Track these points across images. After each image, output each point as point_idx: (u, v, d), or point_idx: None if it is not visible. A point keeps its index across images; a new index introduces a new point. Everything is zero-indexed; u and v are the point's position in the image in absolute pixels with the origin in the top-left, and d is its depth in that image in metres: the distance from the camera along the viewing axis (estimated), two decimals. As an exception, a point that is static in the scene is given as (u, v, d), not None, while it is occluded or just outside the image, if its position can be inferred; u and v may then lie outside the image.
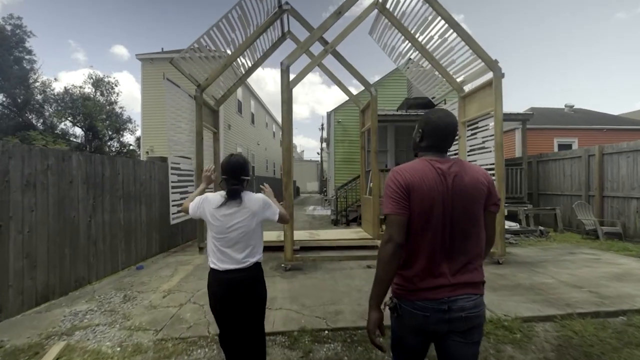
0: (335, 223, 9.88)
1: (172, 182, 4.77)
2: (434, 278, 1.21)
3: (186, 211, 1.97)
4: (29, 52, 22.88)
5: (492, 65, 4.95)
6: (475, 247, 1.26)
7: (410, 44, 6.11)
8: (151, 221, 5.50)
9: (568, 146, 13.27)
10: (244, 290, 1.84)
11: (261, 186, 2.21)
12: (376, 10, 5.97)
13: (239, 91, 15.98)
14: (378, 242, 6.08)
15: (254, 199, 1.89)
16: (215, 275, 1.85)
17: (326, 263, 4.93)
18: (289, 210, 4.54)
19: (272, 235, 6.37)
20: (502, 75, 4.96)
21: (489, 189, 1.28)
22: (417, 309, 1.21)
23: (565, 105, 16.34)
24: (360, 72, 6.30)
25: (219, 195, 1.88)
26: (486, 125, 5.36)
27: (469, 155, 5.94)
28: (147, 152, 12.98)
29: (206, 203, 1.87)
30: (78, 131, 26.88)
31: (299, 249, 5.64)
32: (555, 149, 13.13)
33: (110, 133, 26.19)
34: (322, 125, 40.81)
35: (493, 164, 5.10)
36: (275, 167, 24.82)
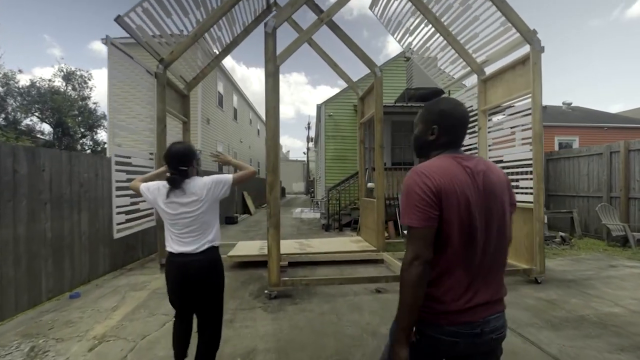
0: (327, 228, 8.80)
1: (118, 181, 3.57)
2: (472, 297, 1.03)
3: (136, 190, 1.97)
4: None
5: (529, 36, 3.98)
6: (505, 256, 1.13)
7: (421, 17, 5.10)
8: (97, 232, 4.28)
9: (569, 145, 12.68)
10: (198, 275, 1.87)
11: (213, 153, 2.21)
12: (381, -26, 4.94)
13: (220, 83, 14.69)
14: (385, 256, 5.01)
15: (199, 184, 1.86)
16: (171, 258, 1.88)
17: (323, 285, 3.83)
18: (275, 217, 3.43)
19: (254, 247, 5.22)
20: (542, 50, 4.00)
21: (510, 188, 1.16)
22: (445, 335, 1.02)
23: (563, 103, 15.81)
24: (359, 55, 5.24)
25: (166, 185, 1.87)
26: (518, 113, 4.39)
27: (490, 150, 4.98)
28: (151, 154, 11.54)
29: (160, 191, 1.86)
30: (47, 128, 25.05)
31: (287, 265, 4.53)
32: (556, 148, 12.48)
33: (82, 130, 24.37)
34: (309, 124, 39.95)
35: (529, 159, 4.13)
36: (260, 166, 23.56)
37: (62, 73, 23.35)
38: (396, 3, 5.33)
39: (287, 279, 3.52)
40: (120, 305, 3.41)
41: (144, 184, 1.96)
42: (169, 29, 4.14)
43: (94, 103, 24.47)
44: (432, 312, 1.04)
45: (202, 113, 12.05)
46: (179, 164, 1.85)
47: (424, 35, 5.35)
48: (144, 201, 3.99)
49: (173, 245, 1.86)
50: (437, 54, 5.53)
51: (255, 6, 5.57)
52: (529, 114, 4.09)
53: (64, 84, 24.04)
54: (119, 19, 3.44)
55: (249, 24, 5.80)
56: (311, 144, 38.28)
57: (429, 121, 1.17)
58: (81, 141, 24.69)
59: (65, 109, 22.10)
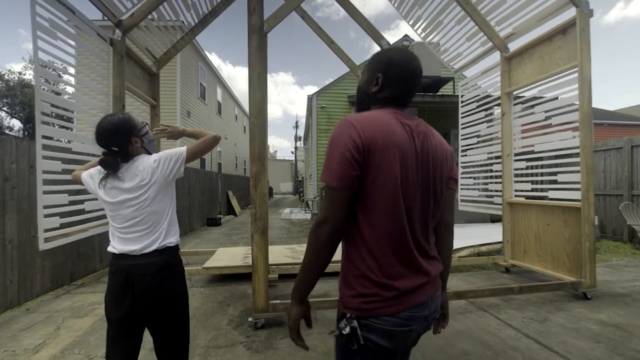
0: (320, 230, 7.95)
1: (48, 172, 2.63)
2: (416, 273, 0.92)
3: (77, 180, 1.62)
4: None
5: (575, -4, 3.24)
6: (435, 230, 1.04)
7: (435, -18, 4.32)
8: (32, 240, 3.32)
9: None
10: (145, 286, 1.41)
11: (157, 128, 1.71)
12: None
13: (203, 74, 13.66)
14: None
15: (145, 164, 1.46)
16: (112, 261, 1.48)
17: (326, 309, 2.98)
18: (261, 220, 2.57)
19: (237, 256, 4.33)
20: (591, 13, 3.28)
21: (450, 159, 1.04)
22: (400, 325, 0.89)
23: (559, 100, 15.42)
24: (364, 26, 4.42)
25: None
26: (557, 93, 3.66)
27: (515, 140, 4.24)
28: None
29: (96, 177, 1.50)
30: (17, 123, 23.54)
31: (278, 279, 3.67)
32: (556, 145, 12.00)
33: (57, 126, 22.94)
34: (297, 122, 39.20)
35: (572, 148, 3.40)
36: (245, 164, 22.53)
37: (34, 66, 21.85)
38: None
39: (277, 302, 2.66)
40: (48, 341, 2.49)
41: (87, 171, 1.57)
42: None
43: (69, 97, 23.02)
44: (383, 299, 0.88)
45: (182, 104, 11.04)
46: (110, 144, 1.45)
47: (438, 5, 4.58)
48: (94, 199, 3.07)
49: (115, 244, 1.49)
50: (450, 30, 4.76)
51: (238, -31, 4.69)
52: (573, 93, 3.37)
53: (62, 86, 22.57)
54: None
55: (232, -9, 4.91)
56: (299, 143, 37.48)
57: (374, 70, 1.03)
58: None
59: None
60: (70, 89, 3.15)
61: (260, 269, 2.54)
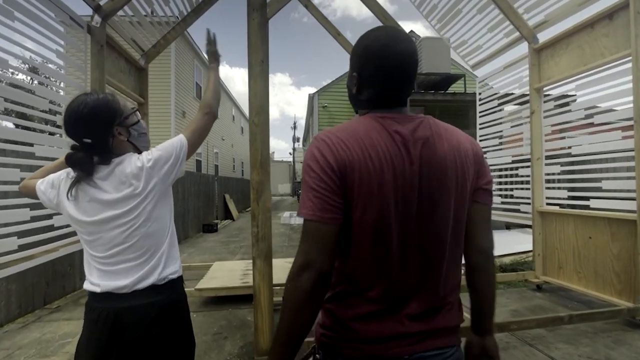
0: (323, 237, 7.47)
1: (3, 182, 2.13)
2: (389, 322, 0.73)
3: (30, 192, 1.15)
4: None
5: (627, -26, 2.79)
6: (455, 269, 0.79)
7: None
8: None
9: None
10: (142, 338, 1.02)
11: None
12: None
13: (199, 73, 13.16)
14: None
15: (131, 167, 1.04)
16: (92, 304, 1.06)
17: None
18: (265, 241, 2.09)
19: (235, 273, 3.84)
20: (644, -6, 2.83)
21: (479, 163, 0.80)
22: None
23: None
24: (376, 11, 3.95)
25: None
26: (602, 87, 3.21)
27: (547, 142, 3.79)
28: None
29: (64, 184, 1.07)
30: (10, 125, 22.95)
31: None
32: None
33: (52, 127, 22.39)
34: (295, 123, 38.82)
35: (626, 150, 2.94)
36: (243, 166, 22.04)
37: (27, 66, 21.22)
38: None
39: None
40: (-1, 394, 2.00)
41: (44, 178, 1.13)
42: (103, -46, 2.74)
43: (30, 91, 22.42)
44: (340, 338, 0.75)
45: (176, 105, 10.55)
46: (82, 134, 1.04)
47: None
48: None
49: (94, 279, 1.06)
50: (472, 18, 4.30)
51: (235, -48, 4.21)
52: (625, 87, 2.91)
53: (29, 79, 21.88)
54: None
55: (228, -23, 4.44)
56: (297, 144, 37.06)
57: (351, 66, 0.82)
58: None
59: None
60: (32, 81, 2.65)
61: (264, 302, 2.06)
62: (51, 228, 2.60)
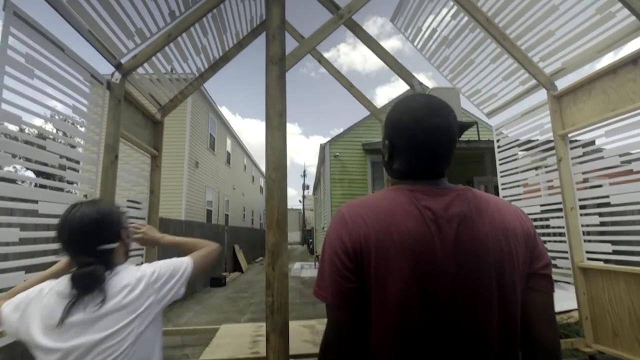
0: (337, 292, 6.99)
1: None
2: None
3: None
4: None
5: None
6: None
7: (467, 18, 3.96)
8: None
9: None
10: None
11: (132, 226, 1.19)
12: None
13: (213, 125, 13.61)
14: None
15: (129, 279, 0.93)
16: None
17: None
18: (282, 311, 1.81)
19: (243, 339, 3.45)
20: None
21: (531, 243, 0.69)
22: None
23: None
24: (391, 64, 4.00)
25: (61, 288, 0.89)
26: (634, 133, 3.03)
27: (579, 190, 3.54)
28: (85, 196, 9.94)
29: (47, 306, 0.87)
30: (31, 174, 23.91)
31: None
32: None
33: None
34: (304, 171, 39.33)
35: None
36: (254, 215, 21.88)
37: (54, 119, 22.53)
38: (430, 6, 4.21)
39: None
40: None
41: (15, 298, 0.92)
42: (127, 17, 2.85)
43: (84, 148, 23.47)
44: None
45: (190, 155, 10.72)
46: (99, 242, 0.94)
47: (469, 43, 4.18)
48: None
49: None
50: (485, 67, 4.31)
51: (251, 13, 4.45)
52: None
53: (55, 131, 23.16)
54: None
55: (244, 36, 4.65)
56: (307, 192, 37.14)
57: (384, 134, 0.81)
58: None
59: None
60: (48, 137, 2.60)
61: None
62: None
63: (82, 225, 0.94)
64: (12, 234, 2.09)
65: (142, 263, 0.98)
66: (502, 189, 4.68)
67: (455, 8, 4.01)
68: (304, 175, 39.69)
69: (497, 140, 4.88)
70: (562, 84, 3.77)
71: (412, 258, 0.61)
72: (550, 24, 3.39)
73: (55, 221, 2.36)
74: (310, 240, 20.80)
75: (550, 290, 0.71)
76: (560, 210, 3.72)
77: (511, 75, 4.16)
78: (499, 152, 4.81)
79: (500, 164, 4.76)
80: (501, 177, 4.73)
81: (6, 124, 2.09)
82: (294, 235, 38.34)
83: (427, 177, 0.74)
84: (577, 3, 3.10)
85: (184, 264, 1.07)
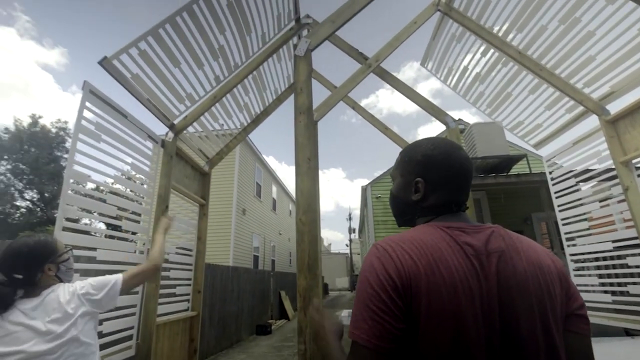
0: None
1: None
2: None
3: None
4: (68, 151, 23.94)
5: None
6: None
7: (497, 54, 3.94)
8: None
9: None
10: None
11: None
12: (438, 14, 4.04)
13: (259, 174, 14.35)
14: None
15: (63, 294, 1.17)
16: None
17: None
18: (315, 347, 1.74)
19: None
20: None
21: (565, 282, 0.67)
22: None
23: None
24: (423, 105, 4.05)
25: None
26: None
27: (656, 222, 3.09)
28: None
29: None
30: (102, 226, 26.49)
31: None
32: None
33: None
34: (350, 214, 38.92)
35: None
36: (300, 260, 21.78)
37: (124, 177, 25.49)
38: (458, 46, 4.29)
39: None
40: None
41: None
42: (179, 84, 3.28)
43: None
44: None
45: (238, 203, 11.28)
46: (14, 270, 1.15)
47: (504, 77, 4.11)
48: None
49: None
50: (524, 99, 4.16)
51: (287, 71, 4.86)
52: None
53: (124, 188, 26.01)
54: (105, 62, 2.58)
55: (282, 91, 5.05)
56: (354, 235, 36.43)
57: (409, 172, 0.81)
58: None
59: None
60: (108, 193, 2.95)
61: None
62: (99, 335, 2.53)
63: (6, 255, 1.18)
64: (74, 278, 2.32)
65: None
66: (563, 224, 4.24)
67: (484, 45, 4.03)
68: (350, 219, 39.23)
69: (550, 172, 4.53)
70: (614, 107, 3.49)
71: (464, 295, 0.60)
72: (589, 50, 3.25)
73: (113, 267, 2.61)
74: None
75: (588, 332, 0.68)
76: (638, 246, 3.25)
77: (555, 103, 3.96)
78: (553, 185, 4.44)
79: (556, 197, 4.37)
80: (560, 211, 4.31)
81: (74, 181, 2.42)
82: (342, 281, 37.13)
83: (457, 210, 0.77)
84: (616, 26, 2.96)
85: (113, 280, 1.30)
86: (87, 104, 2.50)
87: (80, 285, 1.24)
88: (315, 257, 1.96)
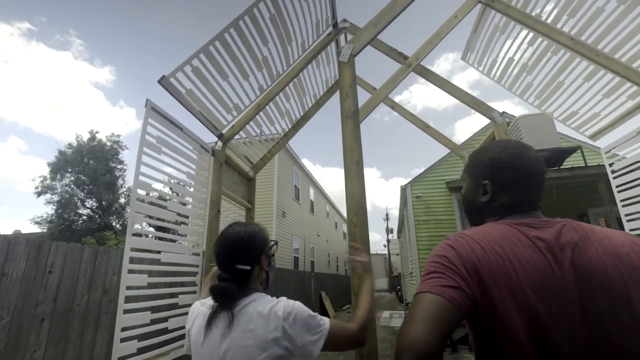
0: (434, 346, 6.34)
1: (131, 287, 2.39)
2: None
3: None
4: (121, 162, 25.95)
5: None
6: None
7: (546, 42, 3.74)
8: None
9: None
10: None
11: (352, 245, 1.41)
12: (479, 6, 3.91)
13: (297, 177, 14.62)
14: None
15: (267, 309, 0.94)
16: None
17: None
18: (370, 344, 1.79)
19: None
20: None
21: None
22: None
23: None
24: (467, 101, 3.95)
25: (207, 300, 1.03)
26: None
27: None
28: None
29: (199, 314, 1.02)
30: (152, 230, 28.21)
31: None
32: None
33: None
34: (387, 215, 38.27)
35: None
36: (338, 262, 21.86)
37: (171, 183, 27.19)
38: (502, 38, 4.11)
39: None
40: None
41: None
42: (227, 96, 3.48)
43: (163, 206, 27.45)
44: None
45: (278, 206, 11.58)
46: (238, 260, 1.01)
47: (554, 65, 3.88)
48: (178, 314, 2.73)
49: None
50: (579, 87, 3.91)
51: (327, 75, 4.95)
52: None
53: (171, 192, 27.73)
54: (164, 80, 2.83)
55: (321, 95, 5.15)
56: (391, 236, 35.78)
57: (477, 175, 0.84)
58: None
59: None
60: (168, 199, 3.21)
61: None
62: (165, 331, 2.76)
63: (229, 243, 1.03)
64: (142, 279, 2.55)
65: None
66: (628, 220, 3.91)
67: (531, 34, 3.84)
68: (387, 219, 38.59)
69: (611, 165, 4.20)
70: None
71: (536, 287, 0.61)
72: (655, 29, 2.99)
73: (171, 268, 2.76)
74: (398, 287, 19.59)
75: None
76: None
77: (614, 90, 3.68)
78: (614, 178, 4.10)
79: (618, 192, 4.03)
80: (623, 206, 3.97)
81: (140, 190, 2.66)
82: (380, 282, 36.58)
83: (528, 210, 0.77)
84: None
85: (321, 322, 0.98)
86: (150, 120, 2.75)
87: (285, 307, 0.97)
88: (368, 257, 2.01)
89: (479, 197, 0.83)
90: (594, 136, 4.38)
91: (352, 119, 2.27)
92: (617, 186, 4.10)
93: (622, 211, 3.99)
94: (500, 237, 0.67)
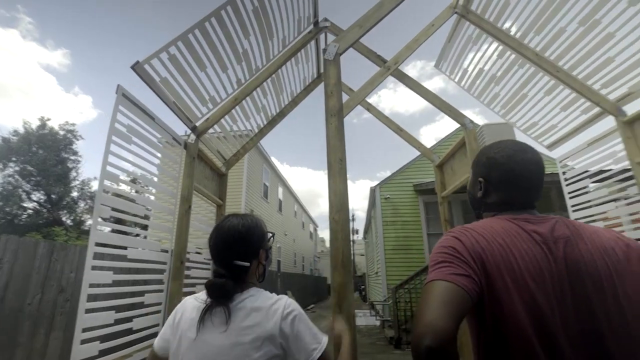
0: (397, 344, 6.56)
1: (93, 285, 2.22)
2: None
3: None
4: (75, 153, 24.09)
5: None
6: None
7: (514, 55, 3.99)
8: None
9: None
10: None
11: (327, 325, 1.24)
12: (455, 16, 4.09)
13: (266, 175, 14.42)
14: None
15: (265, 306, 0.92)
16: None
17: None
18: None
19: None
20: None
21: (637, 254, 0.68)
22: None
23: None
24: (439, 106, 4.11)
25: (200, 295, 0.97)
26: None
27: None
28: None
29: (188, 311, 0.95)
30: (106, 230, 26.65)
31: None
32: None
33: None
34: (353, 215, 38.90)
35: None
36: (304, 261, 21.86)
37: (129, 178, 25.79)
38: (474, 48, 4.33)
39: None
40: None
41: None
42: (203, 87, 3.35)
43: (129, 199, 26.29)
44: None
45: (246, 204, 11.35)
46: (236, 256, 0.96)
47: (520, 78, 4.15)
48: (144, 313, 2.59)
49: None
50: (540, 100, 4.21)
51: (305, 74, 4.92)
52: None
53: (129, 189, 26.21)
54: (137, 67, 2.65)
55: (298, 93, 5.11)
56: (356, 236, 36.40)
57: (475, 172, 0.91)
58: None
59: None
60: (135, 192, 3.02)
61: None
62: (130, 332, 2.59)
63: (225, 237, 0.98)
64: (105, 276, 2.38)
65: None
66: (578, 225, 4.27)
67: (501, 47, 4.07)
68: (353, 220, 39.23)
69: (564, 173, 4.56)
70: (632, 108, 3.53)
71: (535, 274, 0.66)
72: (609, 51, 3.29)
73: (139, 265, 2.58)
74: (363, 286, 19.97)
75: None
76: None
77: (570, 104, 4.00)
78: (567, 185, 4.47)
79: (570, 198, 4.40)
80: (573, 211, 4.34)
81: (107, 181, 2.48)
82: (345, 282, 37.02)
83: (523, 207, 0.82)
84: (638, 27, 3.00)
85: (320, 336, 0.96)
86: (121, 107, 2.57)
87: (288, 307, 0.96)
88: (349, 254, 2.02)
89: (477, 192, 0.90)
90: (550, 146, 4.74)
91: (337, 117, 2.27)
92: (569, 193, 4.47)
93: (572, 215, 4.35)
94: (501, 231, 0.72)
